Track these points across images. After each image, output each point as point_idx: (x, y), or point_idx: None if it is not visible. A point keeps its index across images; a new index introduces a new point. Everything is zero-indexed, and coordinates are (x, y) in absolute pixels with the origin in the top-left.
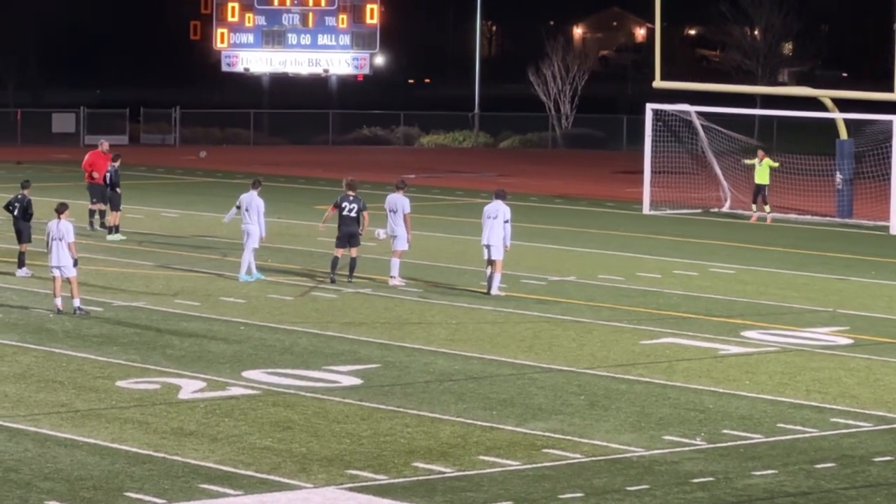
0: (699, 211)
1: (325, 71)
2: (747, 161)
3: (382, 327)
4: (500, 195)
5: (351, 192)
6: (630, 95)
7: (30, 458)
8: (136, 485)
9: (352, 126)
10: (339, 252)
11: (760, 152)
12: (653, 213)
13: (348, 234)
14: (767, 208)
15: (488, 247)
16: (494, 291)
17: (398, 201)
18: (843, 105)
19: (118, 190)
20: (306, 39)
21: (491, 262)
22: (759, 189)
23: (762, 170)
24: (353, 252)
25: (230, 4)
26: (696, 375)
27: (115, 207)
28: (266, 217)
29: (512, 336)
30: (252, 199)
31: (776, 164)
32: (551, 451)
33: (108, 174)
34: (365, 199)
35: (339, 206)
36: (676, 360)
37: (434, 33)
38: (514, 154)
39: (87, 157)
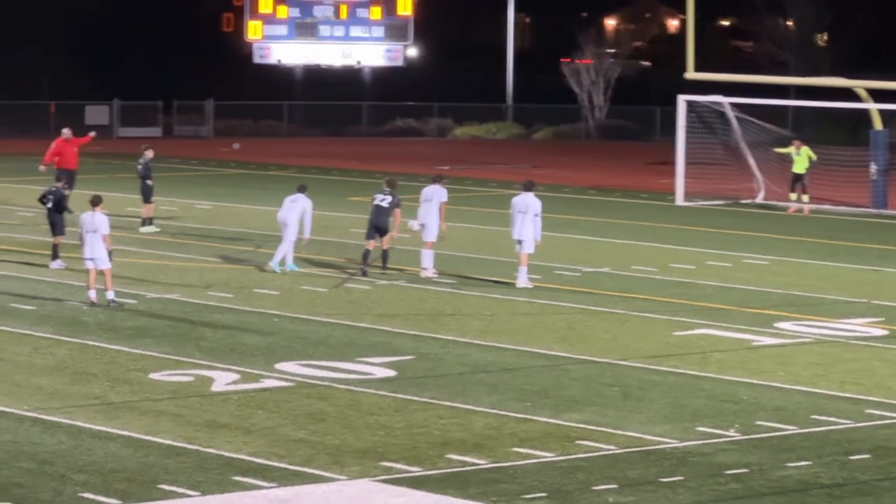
0: (733, 202)
1: (358, 63)
2: (779, 150)
3: (416, 319)
4: (529, 187)
5: (388, 188)
6: (663, 86)
7: (64, 450)
8: (170, 477)
9: (385, 118)
10: (371, 244)
11: (797, 142)
12: (686, 204)
13: (377, 226)
14: (806, 198)
15: (520, 241)
16: (522, 283)
17: (435, 192)
18: (877, 95)
19: (149, 182)
20: (339, 31)
21: (520, 255)
22: (797, 178)
23: (800, 159)
24: (385, 243)
25: None
26: (729, 367)
27: (147, 199)
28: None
29: (546, 327)
30: (298, 200)
31: (815, 157)
32: (585, 442)
33: (139, 166)
34: (401, 189)
35: (373, 199)
36: (710, 351)
37: (468, 25)
38: (548, 145)
39: (52, 145)
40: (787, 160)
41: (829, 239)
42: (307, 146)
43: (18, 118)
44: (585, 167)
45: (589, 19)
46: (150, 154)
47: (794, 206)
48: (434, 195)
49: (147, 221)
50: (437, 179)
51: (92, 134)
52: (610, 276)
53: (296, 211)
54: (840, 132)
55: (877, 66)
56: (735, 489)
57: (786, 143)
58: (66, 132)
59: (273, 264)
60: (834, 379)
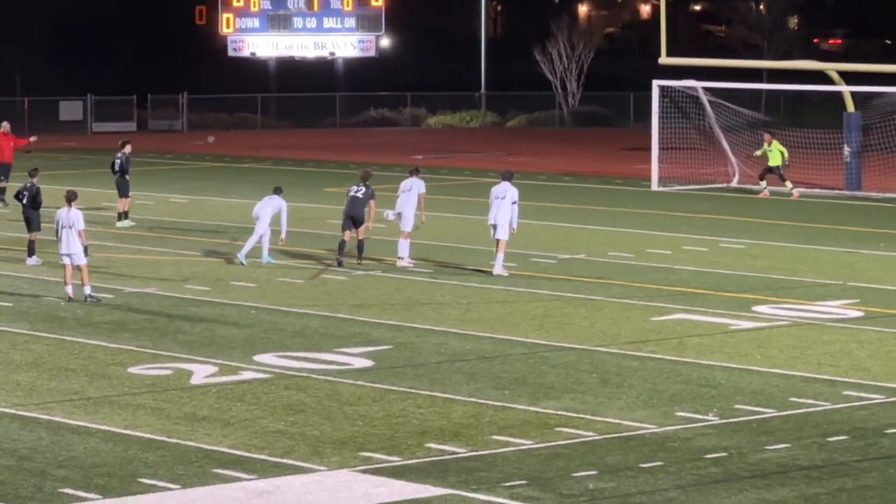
0: (708, 186)
1: (332, 54)
2: (757, 153)
3: (393, 308)
4: (508, 176)
5: (363, 181)
6: (636, 72)
7: (43, 446)
8: (150, 471)
9: (359, 108)
10: (346, 235)
11: (767, 135)
12: (661, 189)
13: (352, 217)
14: (788, 184)
15: (494, 226)
16: (497, 271)
17: (414, 183)
18: (849, 77)
19: (127, 177)
20: (312, 23)
21: (496, 242)
22: (770, 169)
23: (773, 153)
24: (360, 234)
25: None
26: (707, 351)
27: (124, 194)
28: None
29: (523, 315)
30: (273, 199)
31: (786, 153)
32: (564, 429)
33: (117, 160)
34: (374, 179)
35: (348, 190)
36: (688, 335)
37: (440, 14)
38: (522, 133)
39: None
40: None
41: (805, 222)
42: (282, 138)
43: None
44: (560, 154)
45: (561, 6)
46: (128, 149)
47: (765, 192)
48: (413, 186)
49: (123, 216)
50: (414, 171)
51: (33, 139)
52: (586, 262)
53: (270, 207)
54: (813, 115)
55: (849, 49)
56: (714, 473)
57: (759, 130)
58: (5, 125)
59: (240, 256)
60: (811, 361)
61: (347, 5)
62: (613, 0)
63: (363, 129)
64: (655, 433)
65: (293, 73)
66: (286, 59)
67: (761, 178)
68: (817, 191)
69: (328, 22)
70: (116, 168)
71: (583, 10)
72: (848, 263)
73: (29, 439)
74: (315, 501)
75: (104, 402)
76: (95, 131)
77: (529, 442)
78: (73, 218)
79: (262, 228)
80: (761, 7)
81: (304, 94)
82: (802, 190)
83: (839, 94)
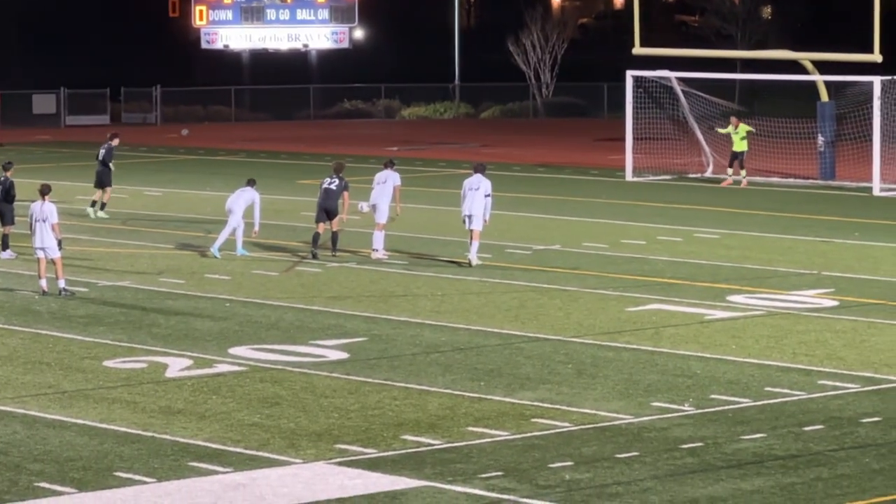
0: (682, 176)
1: (305, 46)
2: (721, 130)
3: (368, 300)
4: (480, 168)
5: (336, 173)
6: (610, 62)
7: (19, 440)
8: (126, 464)
9: (333, 100)
10: (320, 227)
11: (734, 119)
12: (636, 179)
13: (326, 209)
14: (743, 172)
15: (469, 217)
16: (474, 261)
17: (389, 175)
18: (822, 67)
19: (110, 167)
20: (285, 15)
21: (470, 232)
22: (736, 155)
23: (738, 136)
24: (334, 226)
25: None
26: (682, 341)
27: (101, 185)
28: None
29: (498, 306)
30: (246, 192)
31: (751, 129)
32: (540, 420)
33: (101, 151)
34: (348, 171)
35: (322, 182)
36: (663, 326)
37: (414, 5)
38: (496, 124)
39: None
40: (729, 140)
41: (779, 211)
42: (255, 130)
43: None
44: (534, 145)
45: None
46: (115, 142)
47: (729, 179)
48: (388, 178)
49: (99, 205)
50: (389, 164)
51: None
52: (561, 253)
53: (243, 199)
54: (787, 105)
55: (822, 37)
56: (690, 463)
57: (728, 121)
58: None
59: (214, 250)
60: (786, 351)
61: None
62: None
63: (337, 120)
64: (631, 423)
65: (267, 65)
66: (260, 52)
67: (730, 166)
68: (792, 180)
69: (301, 14)
70: (99, 157)
71: (556, 0)
72: (822, 253)
73: (4, 433)
74: (291, 494)
75: (79, 395)
76: (69, 124)
77: (505, 433)
78: (46, 211)
79: (236, 221)
80: None
81: (277, 86)
82: (777, 179)
83: (813, 84)
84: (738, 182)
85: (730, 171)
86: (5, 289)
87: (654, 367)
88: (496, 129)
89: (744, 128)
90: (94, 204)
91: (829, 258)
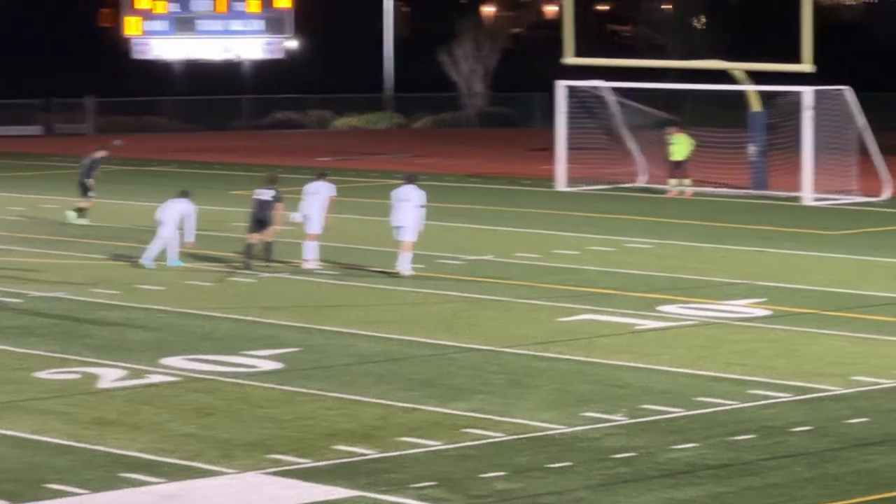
0: (614, 186)
1: (238, 56)
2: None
3: (301, 311)
4: (411, 179)
5: (269, 183)
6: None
7: None
8: (58, 476)
9: (266, 110)
10: (254, 237)
11: (672, 128)
12: (568, 189)
13: (259, 219)
14: (687, 181)
15: (399, 228)
16: (405, 272)
17: (321, 187)
18: (754, 76)
19: (90, 180)
20: (218, 26)
21: (400, 243)
22: (677, 164)
23: (677, 146)
24: (267, 236)
25: None
26: (615, 351)
27: (85, 194)
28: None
29: (430, 316)
30: (178, 203)
31: (693, 142)
32: (473, 430)
33: (86, 161)
34: (281, 182)
35: (255, 193)
36: (595, 336)
37: (347, 16)
38: (428, 134)
39: None
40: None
41: (711, 221)
42: (188, 141)
43: None
44: (466, 155)
45: (467, 7)
46: (100, 154)
47: (674, 190)
48: (321, 189)
49: (81, 213)
50: (322, 175)
51: None
52: (493, 263)
53: (175, 210)
54: (719, 114)
55: (753, 47)
56: (623, 473)
57: (668, 132)
58: None
59: (146, 261)
60: (718, 360)
61: (254, 8)
62: (519, 1)
63: (270, 131)
64: (564, 433)
65: (200, 75)
66: (193, 62)
67: (671, 177)
68: (723, 190)
69: (235, 25)
70: (82, 169)
71: (488, 11)
72: (754, 262)
73: None
74: None
75: (11, 407)
76: (0, 135)
77: (438, 443)
78: None
79: (168, 232)
80: (667, 7)
81: (210, 96)
82: (709, 189)
83: (745, 94)
84: (681, 191)
85: (672, 181)
86: None
87: (587, 378)
88: (428, 139)
89: (682, 138)
90: (78, 210)
91: (761, 268)
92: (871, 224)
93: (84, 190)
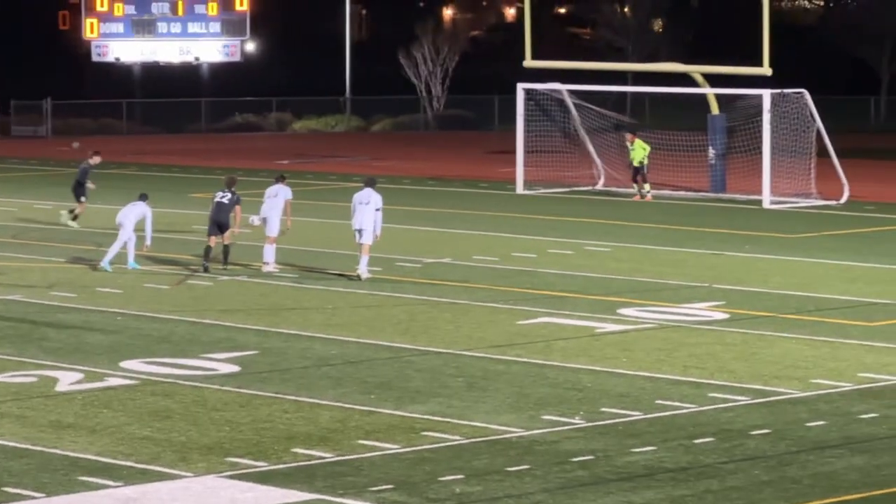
0: (573, 189)
1: (196, 59)
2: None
3: (259, 314)
4: (371, 183)
5: (228, 187)
6: (501, 75)
7: None
8: (15, 479)
9: (224, 113)
10: (212, 240)
11: (629, 135)
12: (526, 192)
13: (218, 222)
14: (647, 186)
15: (359, 231)
16: (364, 274)
17: (280, 190)
18: (714, 80)
19: (88, 185)
20: (176, 28)
21: (360, 246)
22: (637, 170)
23: (635, 152)
24: (226, 239)
25: None
26: (573, 354)
27: (79, 198)
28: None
29: (388, 319)
30: (137, 206)
31: (647, 147)
32: (430, 433)
33: (82, 167)
34: (240, 184)
35: (214, 196)
36: (553, 339)
37: (305, 18)
38: (387, 137)
39: None
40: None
41: (670, 224)
42: (147, 144)
43: None
44: (425, 158)
45: (426, 9)
46: (95, 160)
47: (637, 195)
48: (279, 192)
49: (73, 216)
50: (280, 178)
51: None
52: (451, 266)
53: (134, 213)
54: (678, 117)
55: (713, 51)
56: (581, 476)
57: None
58: None
59: (104, 264)
60: (677, 364)
61: (212, 10)
62: (478, 3)
63: (229, 134)
64: (522, 437)
65: (158, 78)
66: (151, 65)
67: (634, 181)
68: (682, 193)
69: (193, 27)
70: (78, 175)
71: (448, 13)
72: (713, 265)
73: None
74: None
75: None
76: None
77: (396, 446)
78: None
79: (126, 234)
80: (626, 10)
81: (169, 99)
82: (668, 192)
83: (704, 97)
84: (643, 195)
85: (635, 185)
86: None
87: (545, 381)
88: (387, 142)
89: (639, 143)
90: (71, 213)
91: (720, 271)
92: (830, 227)
93: (78, 194)
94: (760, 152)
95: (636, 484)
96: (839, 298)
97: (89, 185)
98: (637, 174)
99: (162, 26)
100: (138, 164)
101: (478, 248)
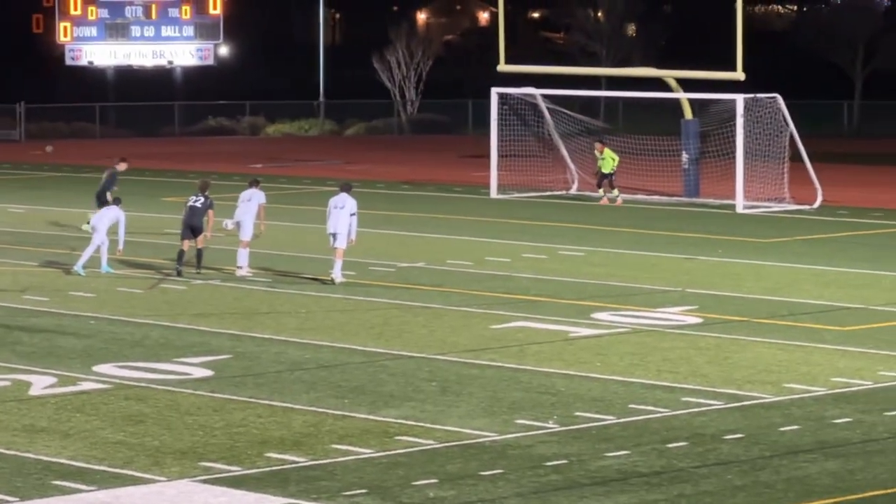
0: (547, 194)
1: (170, 62)
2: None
3: (232, 318)
4: (346, 188)
5: (201, 191)
6: (475, 79)
7: None
8: None
9: (198, 117)
10: (185, 244)
11: (599, 144)
12: (500, 196)
13: (191, 226)
14: (615, 191)
15: (334, 235)
16: (338, 279)
17: (254, 194)
18: (687, 85)
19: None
20: (150, 31)
21: (334, 250)
22: (605, 176)
23: (605, 161)
24: (199, 243)
25: None
26: (547, 358)
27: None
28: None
29: (362, 323)
30: (111, 209)
31: (617, 158)
32: (404, 437)
33: (107, 175)
34: (213, 188)
35: (187, 200)
36: (527, 343)
37: (278, 22)
38: (360, 141)
39: None
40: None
41: (644, 229)
42: (120, 147)
43: None
44: (399, 162)
45: (399, 13)
46: (121, 167)
47: (604, 199)
48: (253, 197)
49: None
50: (254, 183)
51: None
52: (425, 270)
53: (107, 217)
54: (651, 122)
55: (686, 55)
56: (555, 480)
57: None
58: None
59: (77, 268)
60: (650, 368)
61: (185, 14)
62: (452, 7)
63: (202, 138)
64: (495, 441)
65: (132, 81)
66: (124, 68)
67: (599, 186)
68: (656, 198)
69: (166, 31)
70: (103, 181)
71: (421, 17)
72: (686, 270)
73: None
74: None
75: None
76: None
77: (369, 451)
78: None
79: (100, 238)
80: (599, 15)
81: (142, 103)
82: (642, 197)
83: (677, 101)
84: (612, 200)
85: (601, 190)
86: None
87: (519, 385)
88: (361, 146)
89: (609, 153)
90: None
91: (693, 275)
92: (803, 232)
93: (101, 202)
94: (734, 157)
95: (610, 488)
96: (812, 303)
97: (109, 194)
98: (604, 179)
99: (135, 30)
100: (111, 167)
101: (452, 253)
